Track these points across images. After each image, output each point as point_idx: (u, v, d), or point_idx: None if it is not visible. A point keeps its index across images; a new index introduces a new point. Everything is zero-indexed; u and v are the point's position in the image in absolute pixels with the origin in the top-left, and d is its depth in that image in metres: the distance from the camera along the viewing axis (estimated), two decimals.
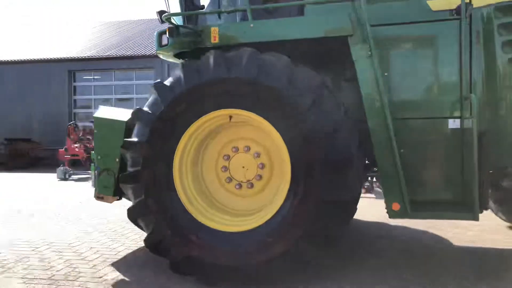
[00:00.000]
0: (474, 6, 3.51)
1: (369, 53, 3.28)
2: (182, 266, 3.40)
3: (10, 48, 21.35)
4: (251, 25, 3.44)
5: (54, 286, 3.38)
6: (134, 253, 4.36)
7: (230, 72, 3.21)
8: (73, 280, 3.51)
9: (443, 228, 5.27)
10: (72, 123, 14.93)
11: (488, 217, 5.05)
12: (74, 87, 19.62)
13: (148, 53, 18.09)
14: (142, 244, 3.98)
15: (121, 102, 19.02)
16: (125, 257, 4.20)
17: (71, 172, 12.88)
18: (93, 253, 4.28)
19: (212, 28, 3.56)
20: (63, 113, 18.67)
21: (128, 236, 5.02)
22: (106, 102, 18.89)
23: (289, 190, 3.20)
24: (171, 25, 3.47)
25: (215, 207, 3.61)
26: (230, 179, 3.64)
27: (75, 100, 19.64)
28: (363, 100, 3.29)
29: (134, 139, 3.44)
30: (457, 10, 3.42)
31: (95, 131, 3.96)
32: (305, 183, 3.11)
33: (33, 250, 4.40)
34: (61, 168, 12.68)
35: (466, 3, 3.41)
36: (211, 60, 3.29)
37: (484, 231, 5.15)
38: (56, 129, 17.55)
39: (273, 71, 3.17)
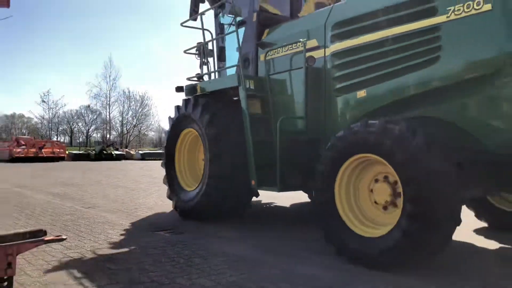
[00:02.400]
0: (327, 54, 5.29)
1: (245, 95, 5.66)
2: (181, 214, 6.61)
3: None
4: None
5: None
6: None
7: (180, 111, 6.43)
8: None
9: None
10: None
11: None
12: None
13: None
14: None
15: None
16: None
17: None
18: None
19: (198, 85, 6.69)
20: None
21: None
22: None
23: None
24: (177, 86, 6.87)
25: (196, 176, 6.67)
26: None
27: None
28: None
29: None
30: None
31: None
32: (208, 167, 5.89)
33: None
34: None
35: (308, 56, 5.30)
36: (181, 105, 6.60)
37: None
38: None
39: (188, 106, 6.20)
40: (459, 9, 3.89)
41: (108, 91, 61.45)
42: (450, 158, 3.57)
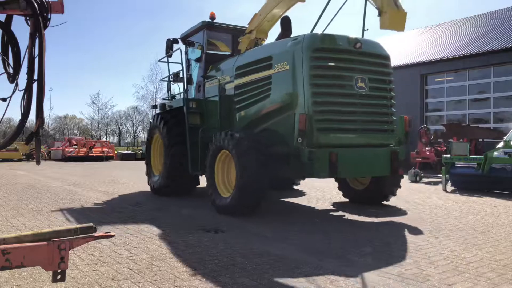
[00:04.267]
0: (233, 86, 8.20)
1: (187, 111, 8.66)
2: (153, 192, 9.70)
3: None
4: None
5: None
6: None
7: (151, 123, 9.56)
8: None
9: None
10: (424, 126, 16.06)
11: None
12: (426, 90, 20.50)
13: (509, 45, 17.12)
14: None
15: (476, 103, 19.03)
16: None
17: (422, 175, 13.22)
18: None
19: (166, 103, 9.80)
20: (415, 116, 18.73)
21: None
22: (459, 103, 19.38)
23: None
24: (153, 104, 10.00)
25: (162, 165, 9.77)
26: None
27: (426, 104, 20.57)
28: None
29: None
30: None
31: None
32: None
33: None
34: (412, 170, 13.19)
35: (222, 87, 8.24)
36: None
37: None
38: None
39: (156, 118, 9.28)
40: (278, 66, 6.74)
41: (155, 93, 61.67)
42: (256, 151, 6.37)
